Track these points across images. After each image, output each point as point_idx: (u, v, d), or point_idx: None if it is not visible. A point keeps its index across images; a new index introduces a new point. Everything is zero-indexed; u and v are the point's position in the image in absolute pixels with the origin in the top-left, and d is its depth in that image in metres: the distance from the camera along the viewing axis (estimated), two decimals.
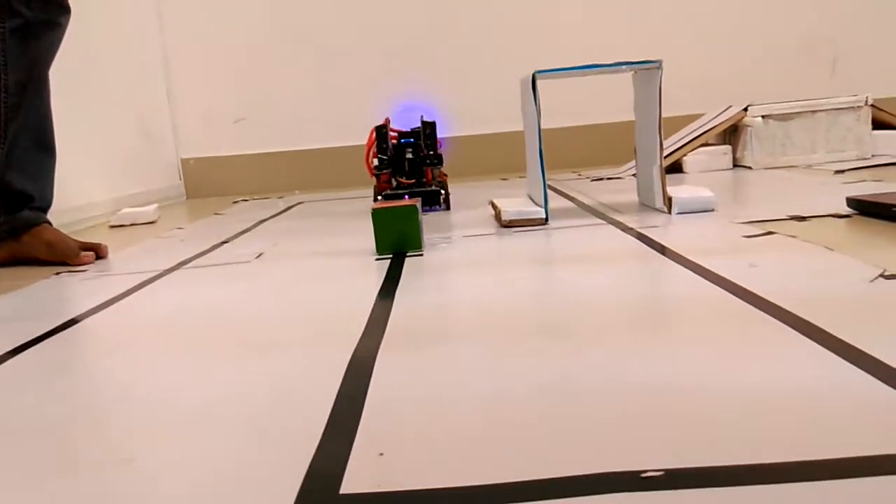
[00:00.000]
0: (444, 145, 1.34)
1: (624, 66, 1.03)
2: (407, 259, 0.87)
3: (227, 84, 2.16)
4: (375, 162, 1.30)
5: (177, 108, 2.16)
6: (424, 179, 1.31)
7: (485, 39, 2.11)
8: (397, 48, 2.11)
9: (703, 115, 1.81)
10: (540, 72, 1.01)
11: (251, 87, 2.15)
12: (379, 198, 1.28)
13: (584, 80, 1.83)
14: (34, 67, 1.09)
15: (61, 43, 1.13)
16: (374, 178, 1.32)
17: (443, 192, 1.31)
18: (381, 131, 1.29)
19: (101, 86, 1.74)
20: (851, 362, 0.42)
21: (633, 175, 1.59)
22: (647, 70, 1.06)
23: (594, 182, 1.61)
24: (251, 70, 2.14)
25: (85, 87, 1.61)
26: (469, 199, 1.43)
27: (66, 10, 1.11)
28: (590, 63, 1.03)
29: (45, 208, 1.13)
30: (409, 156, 1.30)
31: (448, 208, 1.31)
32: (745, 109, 1.63)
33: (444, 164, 1.32)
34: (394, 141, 1.30)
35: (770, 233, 0.84)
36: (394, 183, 1.31)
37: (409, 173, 1.30)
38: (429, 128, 1.30)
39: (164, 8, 2.13)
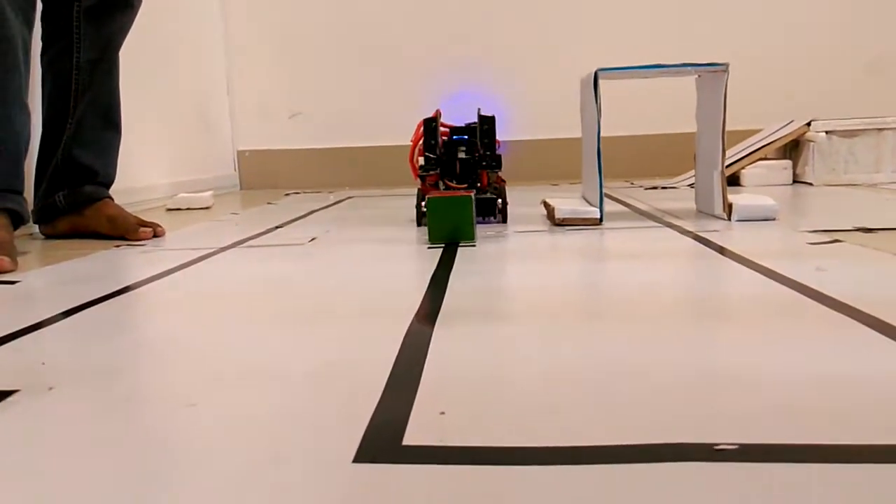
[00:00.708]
0: (503, 148, 1.16)
1: (689, 68, 1.01)
2: (459, 248, 0.87)
3: (285, 79, 2.19)
4: (421, 161, 1.10)
5: (235, 101, 2.21)
6: (479, 184, 1.10)
7: (539, 44, 2.11)
8: (455, 51, 2.12)
9: (761, 130, 1.77)
10: (602, 69, 1.00)
11: (308, 83, 2.18)
12: (423, 202, 1.05)
13: (639, 89, 1.81)
14: (106, 47, 1.12)
15: (132, 24, 1.16)
16: (418, 181, 1.13)
17: (499, 200, 1.10)
18: (430, 125, 1.09)
19: (164, 75, 1.78)
20: None
21: (689, 186, 1.57)
22: (712, 74, 1.04)
23: (647, 190, 1.59)
24: (308, 66, 2.17)
25: (149, 75, 1.66)
26: (520, 199, 1.42)
27: None
28: (653, 63, 1.01)
29: (108, 184, 1.16)
30: (462, 155, 1.09)
31: (504, 220, 1.09)
32: (808, 124, 1.59)
33: (502, 168, 1.10)
34: (444, 137, 1.11)
35: (836, 241, 0.81)
36: (442, 186, 1.10)
37: (460, 176, 1.09)
38: (486, 123, 1.10)
39: (228, 3, 2.17)
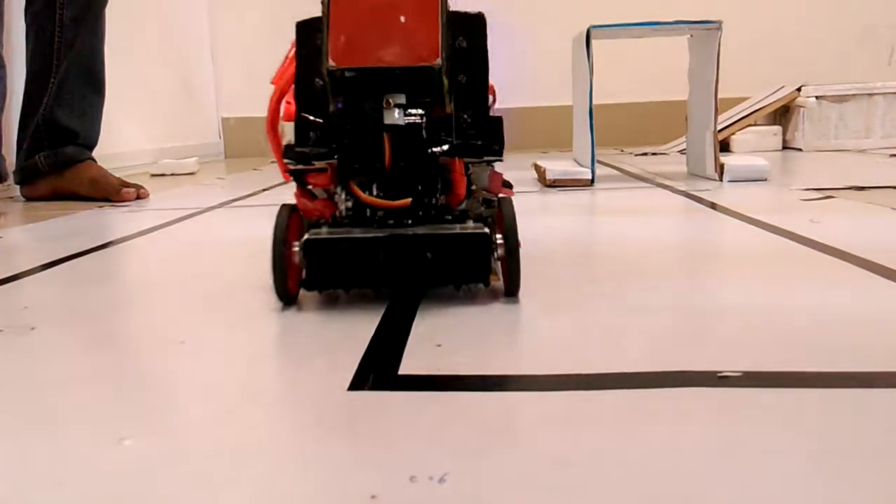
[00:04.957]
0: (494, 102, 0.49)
1: (683, 26, 1.00)
2: None
3: (271, 45, 2.15)
4: (290, 134, 0.46)
5: (220, 67, 2.17)
6: (441, 196, 0.43)
7: (528, 9, 2.08)
8: None
9: (749, 98, 1.76)
10: (595, 27, 0.99)
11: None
12: (296, 246, 0.41)
13: (626, 58, 1.80)
14: (91, 4, 1.09)
15: None
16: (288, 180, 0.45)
17: (498, 244, 0.41)
18: (301, 52, 0.46)
19: (147, 39, 1.74)
20: None
21: (680, 152, 1.56)
22: (704, 32, 1.03)
23: (638, 156, 1.58)
24: (291, 33, 2.13)
25: (132, 40, 1.62)
26: (508, 164, 1.40)
27: None
28: (646, 21, 1.00)
29: (91, 146, 1.13)
30: (397, 117, 0.40)
31: (512, 290, 0.42)
32: (798, 90, 1.59)
33: (503, 151, 0.46)
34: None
35: (829, 197, 0.81)
36: (342, 205, 0.43)
37: (394, 174, 0.42)
38: (470, 39, 0.43)
39: None
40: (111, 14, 1.13)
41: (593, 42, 1.00)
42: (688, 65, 1.10)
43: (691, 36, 1.08)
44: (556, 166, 1.06)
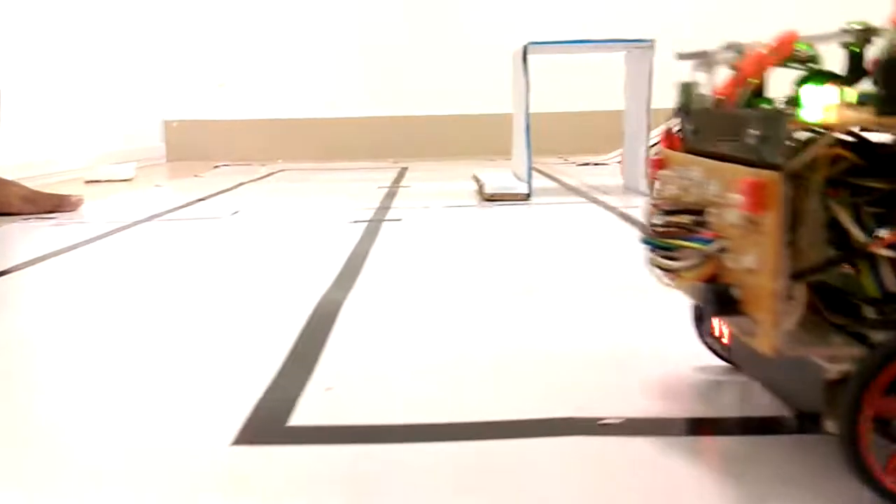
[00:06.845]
0: None
1: (617, 44, 1.02)
2: (384, 223, 0.86)
3: (214, 47, 2.12)
4: None
5: (162, 68, 2.12)
6: None
7: (473, 15, 2.09)
8: (385, 21, 2.09)
9: None
10: (532, 43, 1.00)
11: (238, 51, 2.11)
12: None
13: (573, 65, 1.82)
14: None
15: None
16: None
17: None
18: None
19: (87, 39, 1.70)
20: None
21: (618, 163, 1.59)
22: (639, 49, 1.05)
23: (580, 167, 1.60)
24: (238, 34, 2.11)
25: (69, 39, 1.58)
26: (453, 173, 1.41)
27: None
28: (582, 38, 1.01)
29: None
30: None
31: None
32: None
33: None
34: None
35: None
36: None
37: None
38: None
39: None
40: (44, 7, 1.09)
41: (531, 56, 1.01)
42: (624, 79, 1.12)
43: (628, 52, 1.10)
44: (495, 180, 1.07)
